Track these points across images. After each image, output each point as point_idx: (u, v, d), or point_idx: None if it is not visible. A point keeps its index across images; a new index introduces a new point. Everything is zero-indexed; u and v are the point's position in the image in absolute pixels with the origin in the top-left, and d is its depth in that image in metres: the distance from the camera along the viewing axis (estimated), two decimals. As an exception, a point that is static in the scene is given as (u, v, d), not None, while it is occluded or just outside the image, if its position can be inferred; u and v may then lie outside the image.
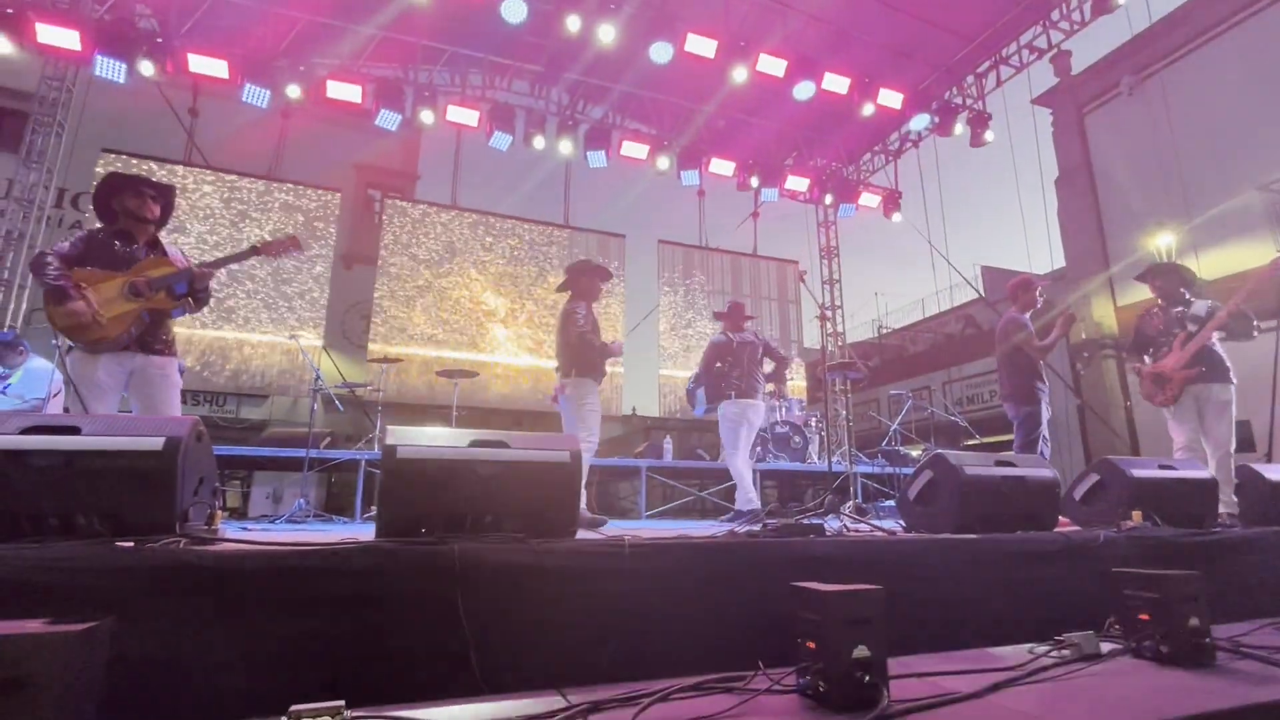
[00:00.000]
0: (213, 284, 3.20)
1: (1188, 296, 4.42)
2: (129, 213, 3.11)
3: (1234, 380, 4.19)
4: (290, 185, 9.60)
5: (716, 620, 1.89)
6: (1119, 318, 11.64)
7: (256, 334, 9.12)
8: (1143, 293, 10.28)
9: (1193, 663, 1.72)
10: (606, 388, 10.85)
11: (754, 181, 10.33)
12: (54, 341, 5.33)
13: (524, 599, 1.74)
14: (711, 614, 1.89)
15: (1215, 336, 4.21)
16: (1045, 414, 4.69)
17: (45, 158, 7.49)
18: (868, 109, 8.52)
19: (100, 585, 1.46)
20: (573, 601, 1.78)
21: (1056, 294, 12.93)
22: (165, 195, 3.24)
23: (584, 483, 3.40)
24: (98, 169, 8.54)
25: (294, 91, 7.72)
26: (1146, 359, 4.47)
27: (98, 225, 3.18)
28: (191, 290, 3.04)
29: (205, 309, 3.38)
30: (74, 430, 1.76)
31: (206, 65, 7.37)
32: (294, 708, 1.24)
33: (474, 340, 10.30)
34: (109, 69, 6.97)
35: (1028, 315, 4.92)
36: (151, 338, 3.02)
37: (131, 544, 1.59)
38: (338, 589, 1.61)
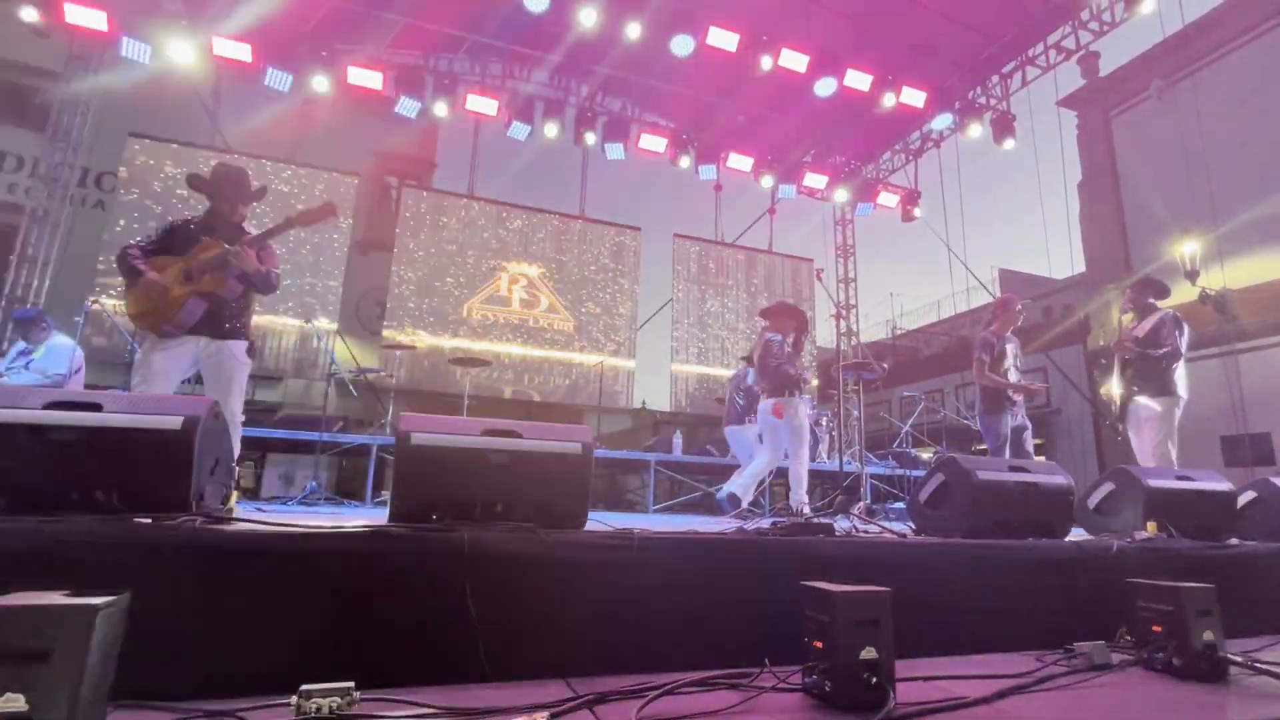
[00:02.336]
0: (273, 265, 3.21)
1: (1154, 304, 4.59)
2: (219, 214, 3.20)
3: (1173, 393, 4.30)
4: (309, 170, 9.66)
5: (723, 616, 1.89)
6: (1139, 325, 11.47)
7: (272, 316, 9.21)
8: (1166, 301, 10.12)
9: (1205, 677, 1.70)
10: (620, 379, 10.92)
11: (771, 178, 10.26)
12: (76, 318, 5.42)
13: (532, 588, 1.75)
14: (718, 610, 1.89)
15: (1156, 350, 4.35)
16: (1007, 427, 4.75)
17: (70, 137, 7.59)
18: (889, 106, 8.43)
19: (118, 560, 1.49)
20: (580, 592, 1.79)
21: (1076, 299, 12.76)
22: (258, 198, 3.36)
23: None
24: (125, 157, 8.65)
25: (319, 84, 7.75)
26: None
27: (184, 216, 3.31)
28: (242, 272, 3.07)
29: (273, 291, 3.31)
30: (96, 407, 1.78)
31: (230, 49, 7.43)
32: (304, 687, 1.26)
33: (488, 329, 10.34)
34: (135, 50, 7.04)
35: (1008, 333, 4.95)
36: (221, 321, 3.08)
37: (149, 520, 1.62)
38: (350, 572, 1.62)
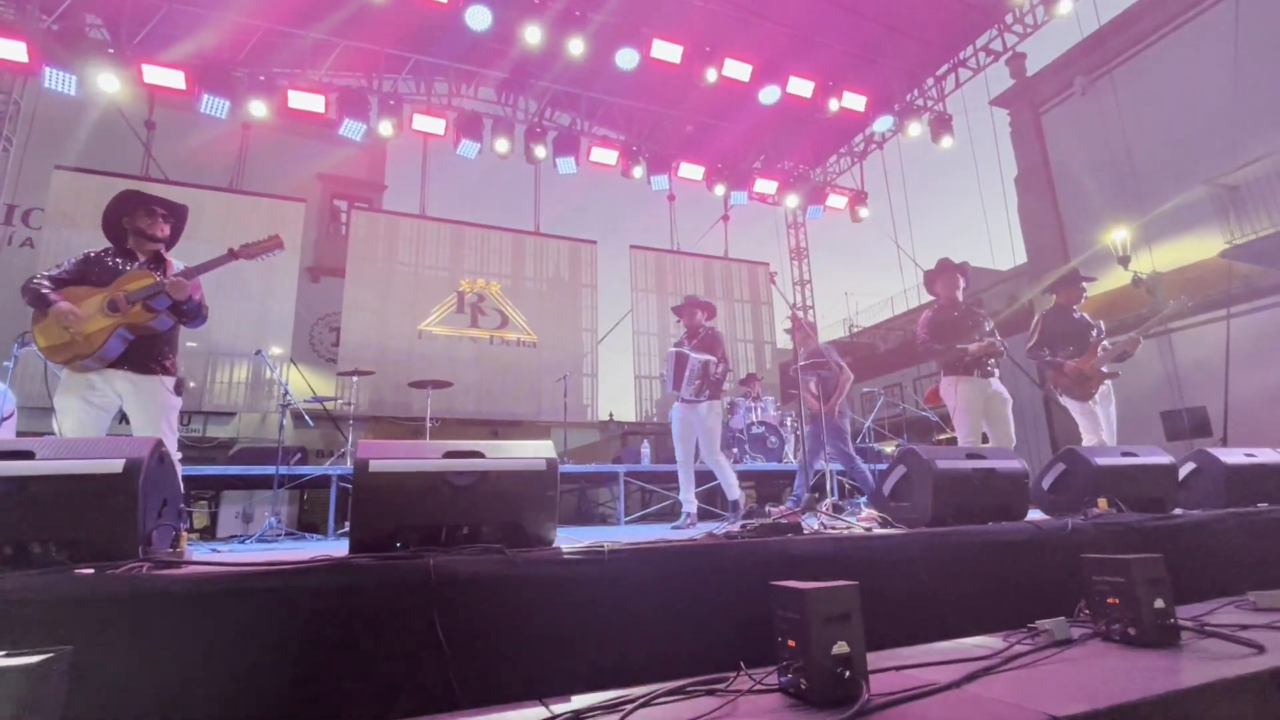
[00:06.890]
0: (202, 297, 3.08)
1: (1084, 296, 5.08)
2: (138, 231, 3.03)
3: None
4: (252, 198, 9.39)
5: (698, 623, 1.89)
6: (1080, 311, 11.97)
7: (222, 349, 8.90)
8: (1100, 286, 10.62)
9: (1160, 643, 1.77)
10: (586, 391, 10.85)
11: (722, 186, 10.41)
12: (5, 363, 5.14)
13: (503, 610, 1.72)
14: (693, 617, 1.89)
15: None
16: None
17: (-8, 173, 7.23)
18: (832, 111, 8.66)
19: (60, 615, 1.41)
20: (552, 610, 1.76)
21: (1020, 288, 13.27)
22: (177, 215, 3.17)
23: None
24: (51, 191, 8.26)
25: (258, 109, 7.55)
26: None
27: (101, 246, 3.09)
28: (174, 304, 2.93)
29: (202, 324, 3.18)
30: (27, 455, 1.69)
31: (162, 76, 7.19)
32: (267, 732, 1.21)
33: (447, 350, 10.18)
34: (59, 81, 6.76)
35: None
36: (144, 356, 2.91)
37: (91, 570, 1.54)
38: (311, 607, 1.57)
